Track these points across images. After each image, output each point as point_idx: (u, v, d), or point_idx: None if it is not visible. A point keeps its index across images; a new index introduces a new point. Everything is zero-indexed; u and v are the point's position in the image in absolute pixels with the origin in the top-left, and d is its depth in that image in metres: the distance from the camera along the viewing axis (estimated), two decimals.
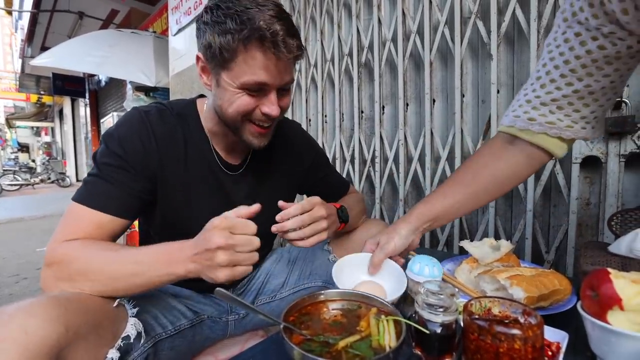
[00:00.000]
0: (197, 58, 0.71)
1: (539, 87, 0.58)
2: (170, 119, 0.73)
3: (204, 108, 0.78)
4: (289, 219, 0.67)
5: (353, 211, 0.88)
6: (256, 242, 0.55)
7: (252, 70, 0.62)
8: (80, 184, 0.68)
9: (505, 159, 0.66)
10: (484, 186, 0.68)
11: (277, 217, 0.66)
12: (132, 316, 0.60)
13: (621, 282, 0.41)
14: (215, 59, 0.64)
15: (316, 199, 0.72)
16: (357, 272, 0.68)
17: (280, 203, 0.68)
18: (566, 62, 0.53)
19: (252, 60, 0.62)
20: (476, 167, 0.69)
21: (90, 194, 0.64)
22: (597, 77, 0.53)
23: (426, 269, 0.63)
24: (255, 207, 0.57)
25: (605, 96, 0.56)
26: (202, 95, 0.82)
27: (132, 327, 0.58)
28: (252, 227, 0.55)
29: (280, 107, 0.68)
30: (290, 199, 0.96)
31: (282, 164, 0.88)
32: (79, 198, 0.64)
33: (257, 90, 0.65)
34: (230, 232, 0.53)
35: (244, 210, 0.57)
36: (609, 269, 0.43)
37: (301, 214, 0.67)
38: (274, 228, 0.66)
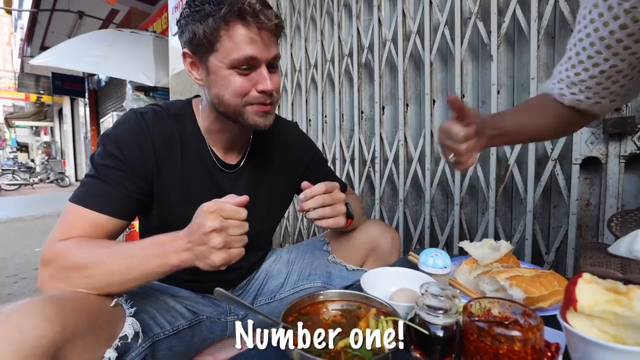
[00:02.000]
0: (184, 55, 0.71)
1: (570, 67, 0.61)
2: (166, 120, 0.74)
3: (199, 108, 0.78)
4: (311, 199, 0.70)
5: (355, 210, 0.88)
6: (246, 225, 0.57)
7: (238, 45, 0.64)
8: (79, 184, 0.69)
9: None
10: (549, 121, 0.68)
11: (301, 196, 0.69)
12: (130, 316, 0.60)
13: (586, 287, 0.40)
14: (202, 47, 0.66)
15: (335, 183, 0.74)
16: (385, 284, 0.66)
17: (304, 184, 0.71)
18: (592, 44, 0.55)
19: (236, 36, 0.64)
20: (544, 104, 0.69)
21: (87, 195, 0.64)
22: (623, 55, 0.54)
23: (439, 261, 0.65)
24: (244, 197, 0.58)
25: (635, 69, 0.56)
26: (197, 96, 0.82)
27: (129, 326, 0.58)
28: (243, 213, 0.57)
29: (273, 88, 0.68)
30: (288, 200, 0.96)
31: (280, 163, 0.88)
32: (76, 199, 0.64)
33: (247, 67, 0.66)
34: (221, 215, 0.54)
35: (233, 199, 0.57)
36: (586, 274, 0.42)
37: (324, 194, 0.70)
38: (298, 207, 0.71)
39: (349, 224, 0.83)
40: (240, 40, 0.63)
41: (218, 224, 0.53)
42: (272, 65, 0.69)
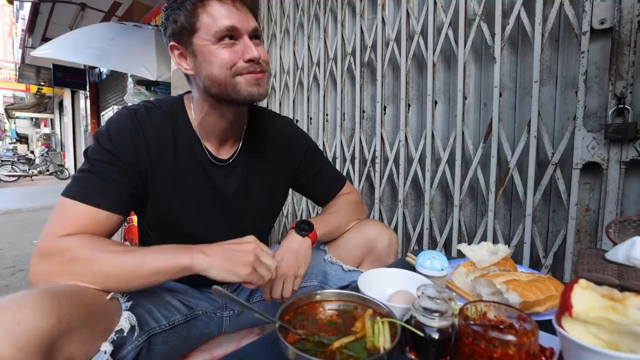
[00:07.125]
0: (172, 48, 0.73)
1: None
2: (158, 116, 0.74)
3: (191, 104, 0.78)
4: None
5: (335, 219, 0.91)
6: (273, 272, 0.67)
7: (216, 19, 0.67)
8: None
9: None
10: None
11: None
12: (126, 310, 0.60)
13: (582, 293, 0.41)
14: (184, 31, 0.69)
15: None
16: (383, 285, 0.66)
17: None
18: None
19: (213, 11, 0.67)
20: None
21: (84, 190, 0.64)
22: None
23: (437, 263, 0.66)
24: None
25: None
26: (189, 92, 0.82)
27: (125, 320, 0.58)
28: (274, 264, 0.67)
29: (259, 55, 0.69)
30: (283, 194, 0.96)
31: (273, 158, 0.88)
32: (73, 194, 0.64)
33: (229, 38, 0.68)
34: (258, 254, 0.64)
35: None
36: (583, 281, 0.42)
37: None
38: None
39: (315, 238, 0.84)
40: (217, 14, 0.67)
41: (256, 246, 0.65)
42: (255, 36, 0.71)
